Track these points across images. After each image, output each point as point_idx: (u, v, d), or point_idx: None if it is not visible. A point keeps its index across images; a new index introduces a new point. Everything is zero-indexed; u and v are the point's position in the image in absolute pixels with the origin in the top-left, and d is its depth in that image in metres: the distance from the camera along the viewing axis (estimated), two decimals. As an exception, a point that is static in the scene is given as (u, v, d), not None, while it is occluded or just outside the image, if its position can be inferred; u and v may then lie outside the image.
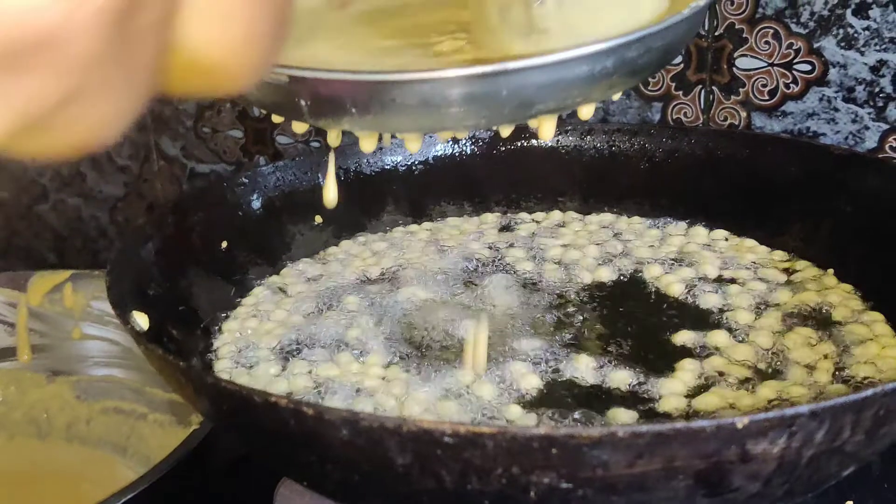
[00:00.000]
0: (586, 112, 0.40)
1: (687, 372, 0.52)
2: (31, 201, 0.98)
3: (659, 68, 0.46)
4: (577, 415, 0.49)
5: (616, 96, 0.41)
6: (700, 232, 0.68)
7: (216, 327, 0.60)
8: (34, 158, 0.20)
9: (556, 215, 0.73)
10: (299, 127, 0.43)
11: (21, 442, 0.75)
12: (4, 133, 0.17)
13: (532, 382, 0.52)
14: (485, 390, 0.51)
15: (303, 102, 0.37)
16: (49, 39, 0.16)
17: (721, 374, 0.52)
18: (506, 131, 0.42)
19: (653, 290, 0.62)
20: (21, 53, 0.16)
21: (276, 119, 0.43)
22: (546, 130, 0.40)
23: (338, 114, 0.37)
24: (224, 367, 0.56)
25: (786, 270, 0.63)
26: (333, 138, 0.42)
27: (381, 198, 0.73)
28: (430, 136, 0.72)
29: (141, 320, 0.51)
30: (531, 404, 0.51)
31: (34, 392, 0.76)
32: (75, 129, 0.19)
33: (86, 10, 0.17)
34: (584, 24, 0.38)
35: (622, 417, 0.49)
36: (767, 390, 0.50)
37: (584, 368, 0.53)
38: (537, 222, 0.72)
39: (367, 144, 0.41)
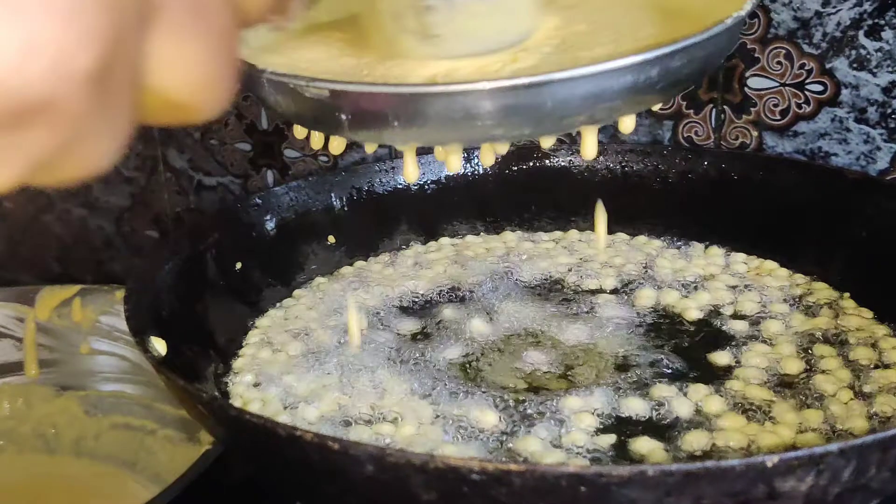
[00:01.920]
0: (628, 124, 0.40)
1: (708, 398, 0.52)
2: (36, 211, 0.98)
3: (700, 79, 0.46)
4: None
5: (656, 107, 0.41)
6: (718, 254, 0.68)
7: (231, 349, 0.60)
8: (49, 186, 0.24)
9: (574, 234, 0.73)
10: (317, 143, 0.43)
11: (29, 457, 0.75)
12: (19, 175, 0.22)
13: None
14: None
15: (343, 116, 0.36)
16: (43, 105, 0.20)
17: (742, 399, 0.52)
18: (546, 142, 0.42)
19: (674, 315, 0.62)
20: (23, 116, 0.20)
21: (299, 134, 0.42)
22: (588, 147, 0.40)
23: (379, 127, 0.36)
24: (239, 391, 0.56)
25: (803, 294, 0.63)
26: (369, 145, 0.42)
27: (394, 217, 0.73)
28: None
29: (159, 346, 0.51)
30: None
31: (42, 407, 0.76)
32: (74, 165, 0.23)
33: (70, 80, 0.20)
34: (472, 32, 0.38)
35: (646, 447, 0.49)
36: (791, 417, 0.50)
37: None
38: (556, 241, 0.72)
39: (410, 166, 0.42)
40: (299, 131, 0.42)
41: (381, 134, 0.37)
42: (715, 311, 0.61)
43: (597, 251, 0.69)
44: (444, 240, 0.73)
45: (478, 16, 0.37)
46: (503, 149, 0.41)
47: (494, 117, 0.35)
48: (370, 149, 0.43)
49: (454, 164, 0.41)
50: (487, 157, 0.43)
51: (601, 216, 0.55)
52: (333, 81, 0.36)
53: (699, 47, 0.37)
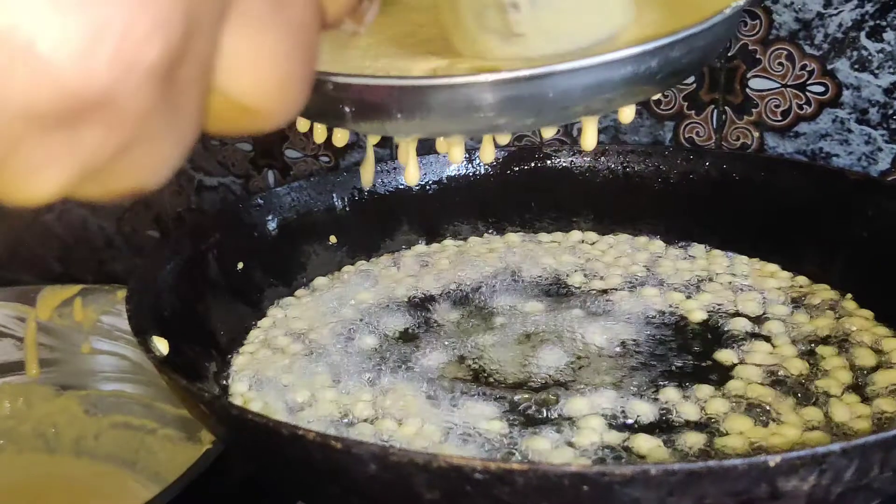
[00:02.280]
0: (628, 114, 0.41)
1: (712, 399, 0.52)
2: (37, 211, 0.98)
3: (699, 68, 0.47)
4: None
5: (656, 96, 0.41)
6: (719, 255, 0.69)
7: (233, 349, 0.60)
8: (96, 201, 0.22)
9: (576, 235, 0.73)
10: (319, 136, 0.43)
11: (29, 456, 0.75)
12: (69, 181, 0.20)
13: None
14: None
15: (347, 109, 0.36)
16: (104, 100, 0.18)
17: (746, 400, 0.52)
18: (548, 133, 0.42)
19: (677, 316, 0.62)
20: (80, 112, 0.18)
21: (302, 126, 0.42)
22: (588, 138, 0.41)
23: (382, 119, 0.36)
24: (240, 391, 0.56)
25: (805, 295, 0.63)
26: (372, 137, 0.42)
27: (396, 218, 0.73)
28: (444, 156, 0.73)
29: (161, 346, 0.51)
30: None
31: (43, 406, 0.76)
32: (130, 174, 0.21)
33: (135, 73, 0.18)
34: (558, 30, 0.38)
35: (648, 446, 0.49)
36: (793, 417, 0.50)
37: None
38: (557, 242, 0.72)
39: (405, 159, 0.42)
40: (302, 124, 0.42)
41: (384, 126, 0.37)
42: (717, 312, 0.61)
43: (601, 251, 0.69)
44: (448, 241, 0.73)
45: (563, 12, 0.37)
46: (504, 139, 0.41)
47: (496, 109, 0.35)
48: (371, 144, 0.43)
49: (457, 155, 0.41)
50: (487, 153, 0.43)
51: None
52: (337, 74, 0.36)
53: (699, 37, 0.37)
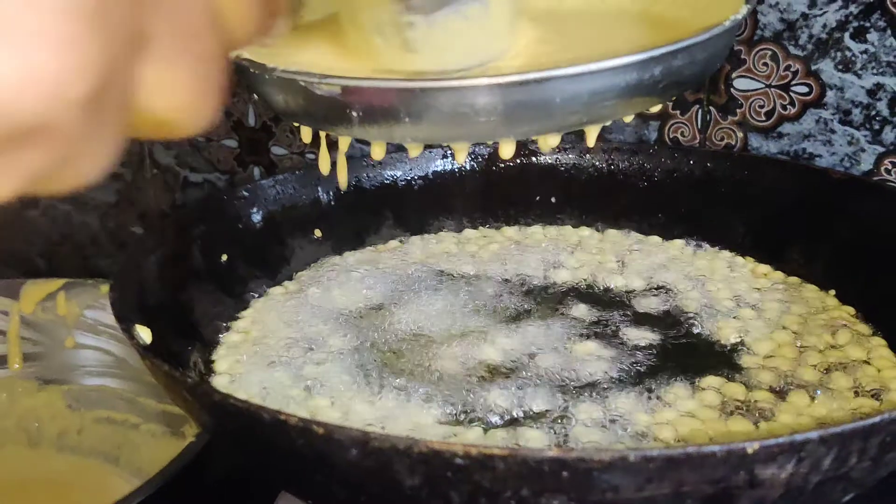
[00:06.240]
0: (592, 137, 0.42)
1: (702, 393, 0.53)
2: (21, 207, 0.98)
3: (699, 81, 0.47)
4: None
5: (656, 108, 0.42)
6: (708, 252, 0.69)
7: (215, 340, 0.60)
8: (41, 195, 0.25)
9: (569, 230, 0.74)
10: (306, 136, 0.43)
11: (12, 450, 0.75)
12: (16, 190, 0.23)
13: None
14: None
15: (354, 113, 0.37)
16: (40, 128, 0.21)
17: (732, 398, 0.52)
18: (552, 141, 0.41)
19: (662, 310, 0.62)
20: (20, 138, 0.21)
21: (306, 137, 0.43)
22: (589, 140, 0.42)
23: (389, 123, 0.37)
24: (221, 382, 0.56)
25: (787, 291, 0.63)
26: (378, 152, 0.42)
27: (381, 212, 0.73)
28: (430, 151, 0.73)
29: (144, 334, 0.51)
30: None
31: (26, 400, 0.76)
32: (67, 178, 0.24)
33: (65, 104, 0.21)
34: (452, 47, 0.38)
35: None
36: (781, 414, 0.51)
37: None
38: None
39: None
40: (306, 134, 0.42)
41: (391, 130, 0.37)
42: (702, 308, 0.62)
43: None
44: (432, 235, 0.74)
45: (456, 33, 0.38)
46: (555, 140, 0.40)
47: (503, 112, 0.35)
48: (377, 155, 0.43)
49: (460, 156, 0.41)
50: (507, 150, 0.42)
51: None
52: (345, 78, 0.36)
53: (700, 48, 0.38)
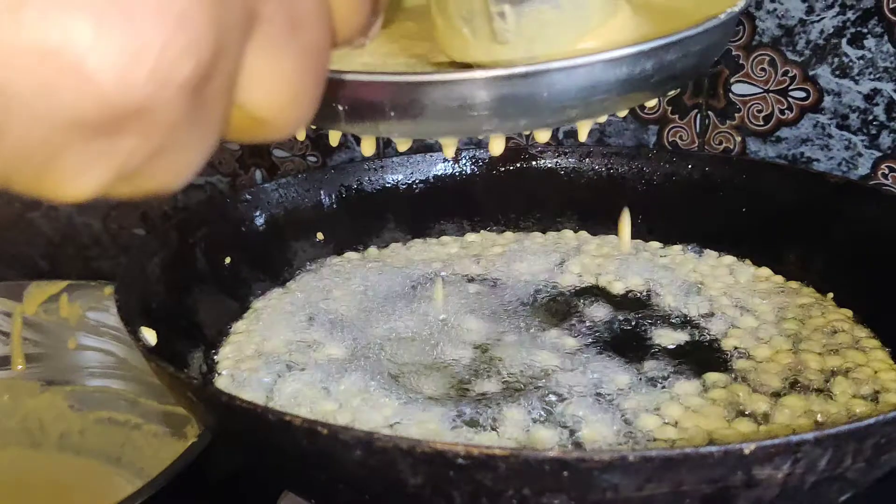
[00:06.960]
0: (544, 136, 0.40)
1: (700, 395, 0.53)
2: (23, 208, 0.98)
3: (694, 75, 0.47)
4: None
5: (651, 103, 0.41)
6: (708, 255, 0.70)
7: (219, 342, 0.60)
8: (127, 199, 0.24)
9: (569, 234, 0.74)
10: (302, 133, 0.43)
11: (14, 451, 0.75)
12: (105, 183, 0.22)
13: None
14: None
15: (340, 107, 0.36)
16: (140, 111, 0.20)
17: (732, 400, 0.53)
18: (543, 136, 0.41)
19: (663, 314, 0.63)
20: (119, 122, 0.20)
21: (300, 135, 0.43)
22: (581, 135, 0.41)
23: (376, 118, 0.36)
24: (224, 384, 0.56)
25: (785, 295, 0.63)
26: (367, 147, 0.42)
27: (382, 215, 0.74)
28: (431, 155, 0.73)
29: (149, 336, 0.51)
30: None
31: (28, 401, 0.76)
32: (157, 176, 0.23)
33: (169, 88, 0.20)
34: (541, 38, 0.38)
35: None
36: (779, 416, 0.51)
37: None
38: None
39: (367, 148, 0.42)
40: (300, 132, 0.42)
41: (378, 126, 0.37)
42: (702, 312, 0.62)
43: (620, 252, 0.70)
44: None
45: (547, 23, 0.37)
46: (545, 135, 0.40)
47: (490, 107, 0.35)
48: (367, 150, 0.43)
49: (449, 151, 0.41)
50: (497, 146, 0.42)
51: (626, 221, 0.59)
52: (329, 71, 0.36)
53: (694, 41, 0.37)
